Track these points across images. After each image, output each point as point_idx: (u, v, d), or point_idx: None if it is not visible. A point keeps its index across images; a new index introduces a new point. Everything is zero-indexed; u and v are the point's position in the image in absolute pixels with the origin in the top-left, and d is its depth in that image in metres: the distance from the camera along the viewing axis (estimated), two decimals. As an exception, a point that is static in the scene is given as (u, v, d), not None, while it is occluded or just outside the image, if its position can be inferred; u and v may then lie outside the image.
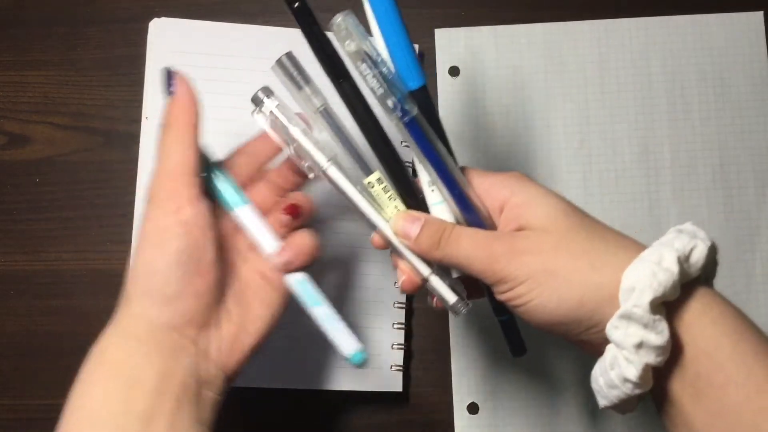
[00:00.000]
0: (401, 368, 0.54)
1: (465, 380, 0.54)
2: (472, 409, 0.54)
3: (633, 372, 0.32)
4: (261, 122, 0.39)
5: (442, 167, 0.37)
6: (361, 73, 0.36)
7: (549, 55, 0.57)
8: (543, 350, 0.54)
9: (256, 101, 0.39)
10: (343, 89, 0.37)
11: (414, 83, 0.37)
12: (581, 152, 0.56)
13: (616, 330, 0.32)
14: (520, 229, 0.36)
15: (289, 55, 0.38)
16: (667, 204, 0.56)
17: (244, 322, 0.38)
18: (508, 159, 0.56)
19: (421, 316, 0.55)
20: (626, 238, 0.35)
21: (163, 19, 0.55)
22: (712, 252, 0.33)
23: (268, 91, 0.39)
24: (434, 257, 0.37)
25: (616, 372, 0.32)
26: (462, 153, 0.56)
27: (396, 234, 0.38)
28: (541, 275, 0.33)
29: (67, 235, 0.55)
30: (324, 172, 0.38)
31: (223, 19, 0.56)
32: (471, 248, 0.35)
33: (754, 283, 0.55)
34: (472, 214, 0.37)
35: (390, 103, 0.35)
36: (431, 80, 0.57)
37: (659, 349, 0.31)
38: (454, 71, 0.57)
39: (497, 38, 0.57)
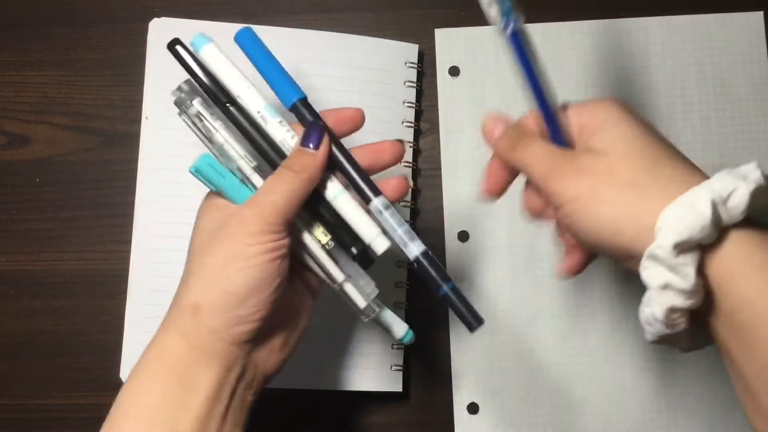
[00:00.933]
0: (401, 368, 0.54)
1: (465, 380, 0.54)
2: (472, 409, 0.54)
3: (659, 312, 0.32)
4: (187, 123, 0.40)
5: (536, 82, 0.39)
6: None
7: (549, 55, 0.57)
8: (543, 349, 0.54)
9: (180, 104, 0.40)
10: (231, 113, 0.39)
11: (296, 96, 0.40)
12: (581, 152, 0.56)
13: (645, 270, 0.32)
14: (587, 150, 0.36)
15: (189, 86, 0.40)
16: (667, 204, 0.56)
17: (290, 332, 0.41)
18: (508, 159, 0.55)
19: (421, 317, 0.55)
20: (687, 169, 0.34)
21: (163, 19, 0.55)
22: (763, 193, 0.32)
23: (193, 89, 0.40)
24: (505, 158, 0.39)
25: (650, 310, 0.32)
26: (462, 152, 0.56)
27: (483, 129, 0.41)
28: (586, 196, 0.34)
29: (67, 235, 0.55)
30: (248, 178, 0.39)
31: (223, 19, 0.56)
32: (537, 156, 0.37)
33: (754, 283, 0.55)
34: (555, 132, 0.38)
35: (501, 6, 0.37)
36: (431, 80, 0.57)
37: (686, 293, 0.31)
38: (454, 71, 0.57)
39: (497, 38, 0.57)
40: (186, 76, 0.40)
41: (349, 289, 0.41)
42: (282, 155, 0.40)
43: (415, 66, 0.56)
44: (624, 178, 0.34)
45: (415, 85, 0.56)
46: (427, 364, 0.55)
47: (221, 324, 0.36)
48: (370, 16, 0.58)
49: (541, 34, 0.57)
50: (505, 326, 0.55)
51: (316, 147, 0.39)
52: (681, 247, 0.31)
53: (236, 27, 0.55)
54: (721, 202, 0.31)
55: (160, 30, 0.55)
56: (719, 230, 0.31)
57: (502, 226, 0.55)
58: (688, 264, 0.31)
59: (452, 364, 0.54)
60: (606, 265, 0.55)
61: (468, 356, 0.54)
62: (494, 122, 0.40)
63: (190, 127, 0.40)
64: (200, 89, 0.40)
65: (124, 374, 0.52)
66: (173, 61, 0.55)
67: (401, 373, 0.54)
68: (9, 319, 0.55)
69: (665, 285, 0.31)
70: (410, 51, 0.56)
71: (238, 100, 0.40)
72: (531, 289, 0.55)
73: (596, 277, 0.55)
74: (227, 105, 0.39)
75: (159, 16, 0.55)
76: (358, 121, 0.42)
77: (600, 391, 0.54)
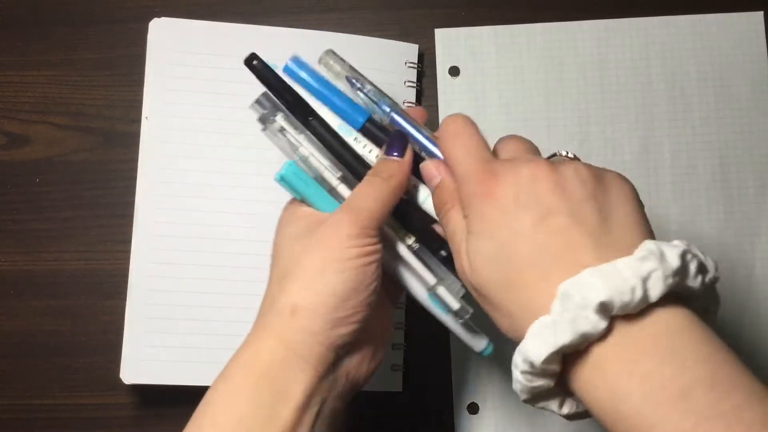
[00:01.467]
0: (401, 368, 0.54)
1: (465, 380, 0.54)
2: (472, 409, 0.54)
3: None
4: (269, 137, 0.40)
5: (429, 140, 0.40)
6: (353, 84, 0.41)
7: (549, 55, 0.57)
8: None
9: (263, 120, 0.40)
10: (313, 127, 0.40)
11: (363, 117, 0.41)
12: (581, 152, 0.56)
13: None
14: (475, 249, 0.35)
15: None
16: (667, 204, 0.56)
17: (379, 341, 0.41)
18: (508, 159, 0.56)
19: (421, 317, 0.55)
20: (534, 296, 0.32)
21: (163, 19, 0.55)
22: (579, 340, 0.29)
23: (272, 103, 0.40)
24: (436, 212, 0.39)
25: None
26: (462, 153, 0.56)
27: (423, 170, 0.39)
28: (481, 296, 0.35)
29: (67, 235, 0.55)
30: (333, 188, 0.40)
31: (223, 19, 0.56)
32: (453, 233, 0.37)
33: (754, 283, 0.55)
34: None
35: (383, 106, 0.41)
36: (431, 80, 0.57)
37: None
38: (454, 71, 0.57)
39: (497, 38, 0.57)
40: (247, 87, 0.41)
41: (442, 292, 0.40)
42: (365, 165, 0.40)
43: (415, 66, 0.56)
44: (494, 299, 0.33)
45: (415, 85, 0.56)
46: (427, 364, 0.55)
47: (320, 326, 0.36)
48: (370, 16, 0.58)
49: (542, 34, 0.57)
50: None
51: (401, 155, 0.39)
52: (529, 394, 0.32)
53: (236, 27, 0.55)
54: (533, 367, 0.30)
55: (160, 30, 0.55)
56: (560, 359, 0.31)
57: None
58: (549, 404, 0.32)
59: (452, 364, 0.54)
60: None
61: (468, 356, 0.54)
62: (435, 166, 0.38)
63: (272, 140, 0.40)
64: (279, 103, 0.40)
65: (124, 374, 0.52)
66: (173, 61, 0.55)
67: (401, 373, 0.54)
68: (9, 319, 0.55)
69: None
70: (410, 51, 0.56)
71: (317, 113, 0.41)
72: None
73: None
74: (309, 119, 0.40)
75: (159, 16, 0.55)
76: (424, 120, 0.42)
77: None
